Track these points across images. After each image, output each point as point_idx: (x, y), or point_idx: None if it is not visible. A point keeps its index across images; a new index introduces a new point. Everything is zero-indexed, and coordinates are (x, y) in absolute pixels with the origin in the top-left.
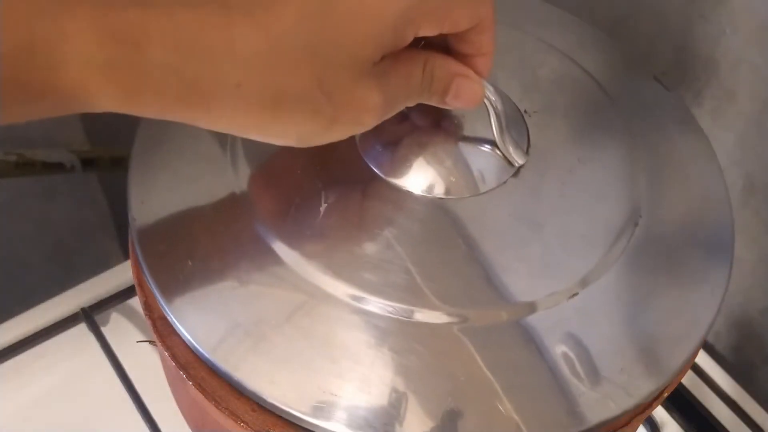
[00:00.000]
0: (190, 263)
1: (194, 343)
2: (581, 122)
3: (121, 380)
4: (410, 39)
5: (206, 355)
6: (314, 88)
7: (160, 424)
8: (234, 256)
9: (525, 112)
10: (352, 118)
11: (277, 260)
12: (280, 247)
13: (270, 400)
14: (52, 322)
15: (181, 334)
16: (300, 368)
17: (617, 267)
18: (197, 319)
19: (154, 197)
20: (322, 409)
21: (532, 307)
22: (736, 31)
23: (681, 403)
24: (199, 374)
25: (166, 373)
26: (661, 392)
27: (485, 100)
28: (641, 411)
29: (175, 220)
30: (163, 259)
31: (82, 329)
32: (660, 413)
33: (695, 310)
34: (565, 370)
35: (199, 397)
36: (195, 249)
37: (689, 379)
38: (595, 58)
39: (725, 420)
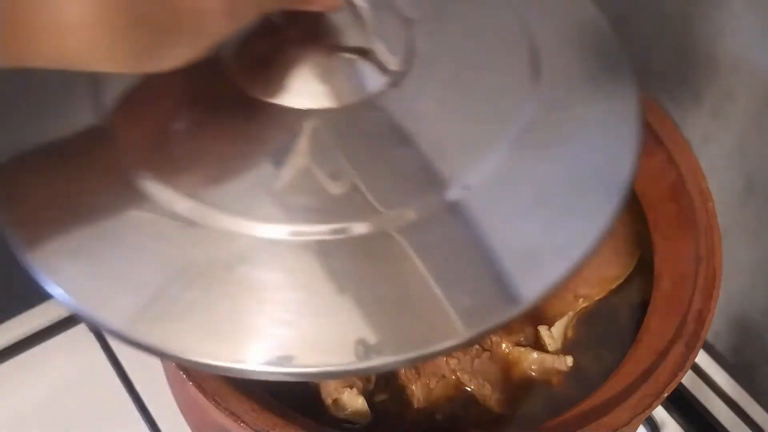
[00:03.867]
0: (54, 214)
1: (66, 297)
2: (474, 28)
3: (121, 380)
4: None
5: (106, 323)
6: None
7: (160, 424)
8: (106, 202)
9: (411, 19)
10: (194, 25)
11: (155, 203)
12: (156, 188)
13: (179, 355)
14: (52, 322)
15: (53, 292)
16: (207, 316)
17: (507, 164)
18: (71, 273)
19: (12, 144)
20: (234, 350)
21: (435, 205)
22: (736, 31)
23: (681, 403)
24: (199, 374)
25: (166, 373)
26: (661, 392)
27: (352, 5)
28: (641, 411)
29: (37, 168)
30: (26, 213)
31: (82, 329)
32: (660, 413)
33: (596, 201)
34: (475, 259)
35: (199, 397)
36: (63, 202)
37: (689, 379)
38: None
39: (725, 420)
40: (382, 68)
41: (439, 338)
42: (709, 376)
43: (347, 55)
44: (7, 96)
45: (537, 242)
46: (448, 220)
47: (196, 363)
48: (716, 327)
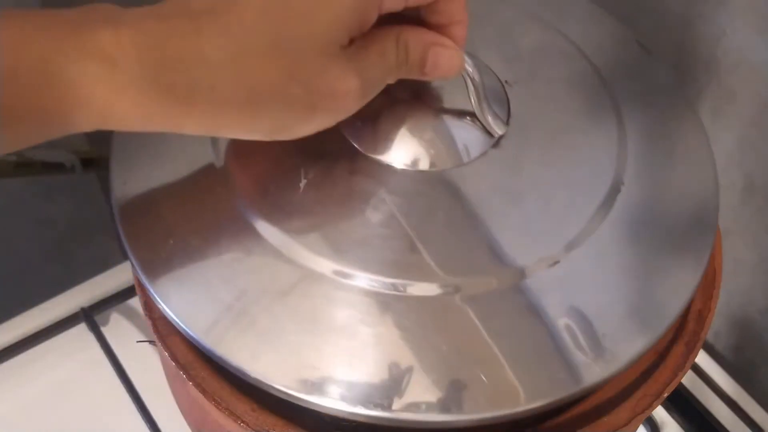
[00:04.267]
0: (171, 242)
1: (177, 320)
2: (564, 91)
3: (121, 380)
4: (375, 16)
5: (189, 331)
6: (287, 80)
7: (160, 424)
8: (215, 234)
9: (506, 82)
10: (331, 104)
11: (258, 238)
12: (261, 225)
13: (253, 375)
14: (52, 322)
15: (163, 311)
16: (284, 344)
17: (601, 232)
18: (179, 297)
19: (136, 177)
20: (305, 383)
21: (520, 274)
22: (736, 31)
23: (681, 403)
24: (199, 374)
25: (166, 373)
26: (661, 392)
27: (462, 71)
28: (641, 411)
29: (157, 200)
30: (145, 238)
31: (82, 329)
32: (660, 413)
33: (679, 277)
34: (558, 331)
35: (199, 397)
36: (176, 228)
37: (689, 379)
38: (578, 26)
39: (725, 420)
40: (487, 132)
41: (497, 406)
42: (709, 376)
43: (453, 118)
44: (139, 139)
45: (621, 315)
46: (527, 290)
47: (256, 380)
48: (716, 327)
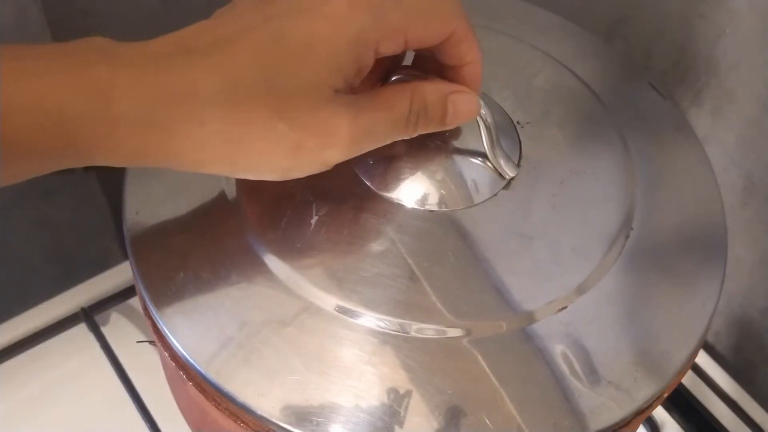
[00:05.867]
0: (182, 274)
1: (185, 354)
2: (575, 133)
3: (121, 380)
4: (372, 60)
5: (197, 366)
6: (274, 118)
7: (160, 424)
8: (225, 267)
9: (518, 123)
10: (318, 143)
11: (268, 273)
12: (271, 260)
13: (259, 412)
14: (52, 322)
15: (172, 345)
16: (289, 381)
17: (610, 276)
18: (188, 330)
19: (149, 208)
20: (310, 422)
21: (528, 318)
22: (736, 31)
23: (681, 403)
24: (198, 374)
25: (166, 373)
26: (661, 393)
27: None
28: (641, 412)
29: (169, 232)
30: (156, 270)
31: (82, 329)
32: (660, 413)
33: (690, 316)
34: (564, 377)
35: (199, 397)
36: (187, 260)
37: (689, 379)
38: (591, 67)
39: (725, 420)
40: (498, 174)
41: None
42: (709, 376)
43: (464, 159)
44: (153, 171)
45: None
46: (535, 334)
47: (256, 414)
48: (716, 327)
